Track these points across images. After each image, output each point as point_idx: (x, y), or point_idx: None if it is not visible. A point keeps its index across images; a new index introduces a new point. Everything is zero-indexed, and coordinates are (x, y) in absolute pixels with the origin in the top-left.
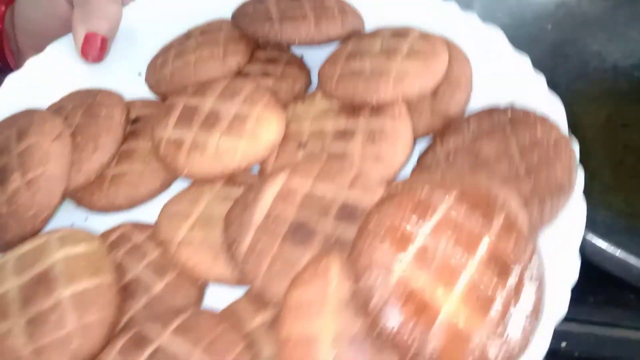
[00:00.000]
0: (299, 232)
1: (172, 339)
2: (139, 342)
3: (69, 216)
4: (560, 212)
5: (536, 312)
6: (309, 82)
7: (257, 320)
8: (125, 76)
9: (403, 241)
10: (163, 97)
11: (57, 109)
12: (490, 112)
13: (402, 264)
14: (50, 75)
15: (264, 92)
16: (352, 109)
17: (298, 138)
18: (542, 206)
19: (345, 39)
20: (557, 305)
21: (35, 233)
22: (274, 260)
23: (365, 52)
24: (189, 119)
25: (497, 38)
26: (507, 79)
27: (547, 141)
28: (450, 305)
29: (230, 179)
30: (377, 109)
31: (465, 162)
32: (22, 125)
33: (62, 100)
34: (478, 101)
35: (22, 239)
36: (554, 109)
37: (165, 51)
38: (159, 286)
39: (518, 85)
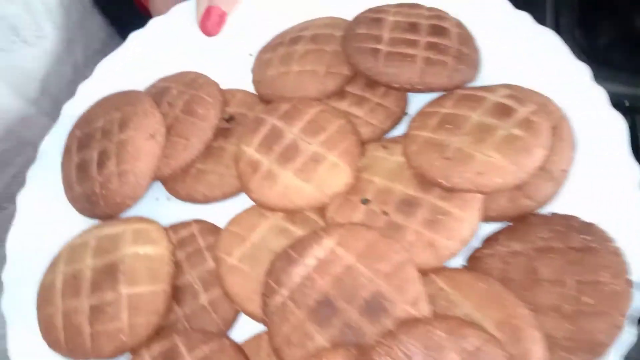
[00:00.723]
0: (324, 310)
1: None
2: (168, 357)
3: (158, 192)
4: None
5: None
6: (402, 116)
7: None
8: (235, 55)
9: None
10: (261, 97)
11: (162, 90)
12: (568, 225)
13: None
14: (169, 38)
15: (347, 135)
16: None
17: (364, 192)
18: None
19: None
20: None
21: (119, 212)
22: (294, 329)
23: (459, 122)
24: (271, 143)
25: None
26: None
27: (607, 287)
28: None
29: (291, 214)
30: (451, 189)
31: (520, 273)
32: (126, 114)
33: (171, 80)
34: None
35: (108, 217)
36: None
37: (274, 47)
38: (203, 299)
39: (610, 201)
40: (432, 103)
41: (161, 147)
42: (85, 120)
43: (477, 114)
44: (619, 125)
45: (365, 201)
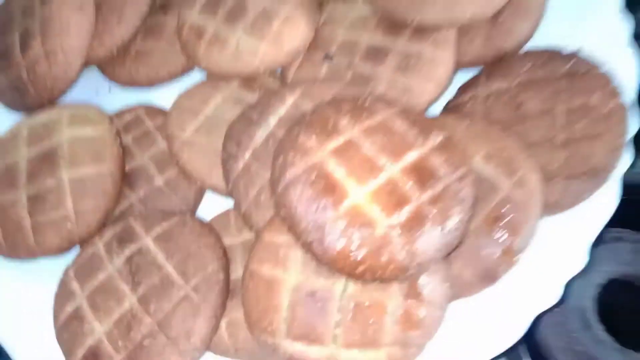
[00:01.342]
0: None
1: (152, 244)
2: (124, 240)
3: (94, 83)
4: (587, 197)
5: (458, 232)
6: None
7: (242, 237)
8: None
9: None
10: None
11: None
12: (551, 56)
13: (323, 152)
14: None
15: None
16: (394, 24)
17: (327, 46)
18: (567, 186)
19: None
20: (548, 294)
21: (53, 100)
22: (262, 190)
23: None
24: (214, 5)
25: None
26: (584, 17)
27: (600, 110)
28: (359, 194)
29: (248, 81)
30: (421, 30)
31: (503, 111)
32: None
33: None
34: (542, 36)
35: (41, 106)
36: (626, 67)
37: None
38: (159, 181)
39: (595, 27)
40: None
41: (91, 21)
42: (2, 6)
43: None
44: None
45: (328, 56)
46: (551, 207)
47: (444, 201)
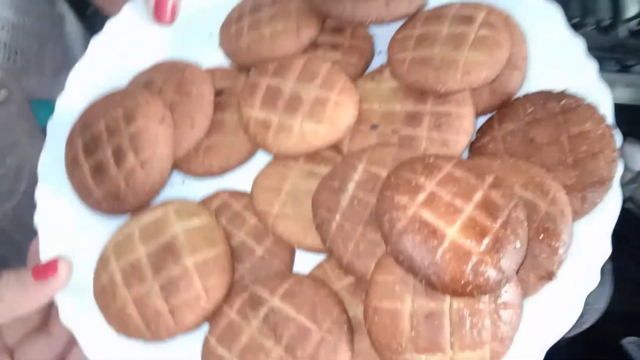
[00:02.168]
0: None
1: (280, 303)
2: (254, 304)
3: (170, 178)
4: (600, 202)
5: (523, 247)
6: (373, 53)
7: (343, 283)
8: (197, 38)
9: (416, 190)
10: (240, 66)
11: (147, 82)
12: (545, 97)
13: (416, 206)
14: (128, 36)
15: (339, 74)
16: (419, 91)
17: (370, 119)
18: (584, 196)
19: (412, 16)
20: (587, 280)
21: (149, 202)
22: (358, 243)
23: (433, 37)
24: (273, 100)
25: (554, 16)
26: (560, 62)
27: (594, 133)
28: (452, 232)
29: (310, 156)
30: (443, 94)
31: (520, 146)
32: (129, 107)
33: (150, 72)
34: (532, 82)
35: (139, 209)
36: (602, 99)
37: (238, 19)
38: (259, 251)
39: (570, 69)
40: (401, 29)
41: (172, 130)
42: (82, 127)
43: (445, 27)
44: (554, 10)
45: (374, 126)
46: (576, 215)
47: (511, 226)
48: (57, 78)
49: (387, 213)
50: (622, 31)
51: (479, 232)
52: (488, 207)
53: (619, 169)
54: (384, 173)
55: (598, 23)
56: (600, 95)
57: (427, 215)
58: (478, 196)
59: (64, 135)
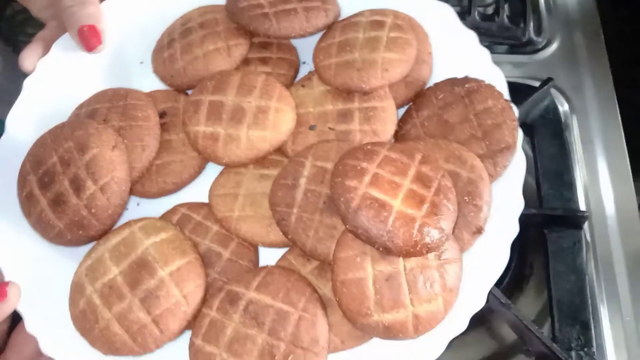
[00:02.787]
0: (332, 204)
1: (256, 294)
2: (232, 300)
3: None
4: (508, 166)
5: (455, 208)
6: (299, 63)
7: (307, 269)
8: (128, 67)
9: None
10: (177, 88)
11: (91, 112)
12: (451, 83)
13: (364, 186)
14: (62, 73)
15: (274, 84)
16: (347, 91)
17: (307, 121)
18: (495, 161)
19: (329, 26)
20: (510, 230)
21: (112, 226)
22: (318, 228)
23: (352, 43)
24: (217, 114)
25: (448, 15)
26: (459, 52)
27: (496, 107)
28: (397, 204)
29: (259, 161)
30: (367, 92)
31: (437, 128)
32: (80, 138)
33: (92, 102)
34: (438, 73)
35: (103, 233)
36: (497, 79)
37: (169, 45)
38: (226, 254)
39: (468, 58)
40: (323, 39)
41: (125, 154)
42: (33, 164)
43: (361, 33)
44: (448, 13)
45: (312, 127)
46: (492, 177)
47: (442, 192)
48: None
49: (342, 196)
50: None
51: (418, 200)
52: (421, 179)
53: (520, 135)
54: (329, 165)
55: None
56: (495, 76)
57: (375, 192)
58: (412, 172)
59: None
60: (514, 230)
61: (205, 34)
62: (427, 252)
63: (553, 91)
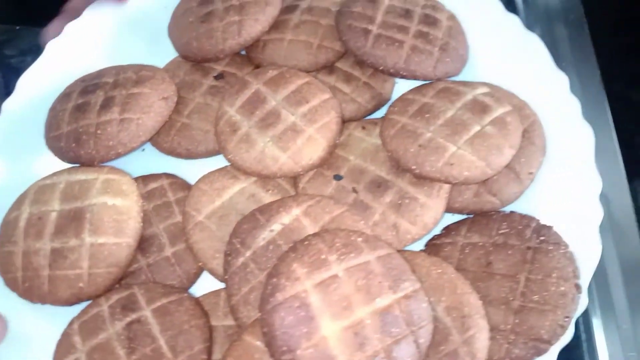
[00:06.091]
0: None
1: (151, 316)
2: (127, 307)
3: None
4: None
5: None
6: (387, 99)
7: (226, 322)
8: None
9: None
10: (251, 59)
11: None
12: (527, 224)
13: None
14: (88, 39)
15: (329, 111)
16: (397, 163)
17: (338, 168)
18: (509, 349)
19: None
20: None
21: (103, 161)
22: (252, 290)
23: (436, 113)
24: (253, 107)
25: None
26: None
27: (556, 288)
28: (330, 329)
29: (264, 180)
30: (417, 176)
31: (474, 264)
32: (144, 75)
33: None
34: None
35: (88, 161)
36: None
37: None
38: (168, 251)
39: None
40: (414, 90)
41: (167, 112)
42: (94, 76)
43: (455, 108)
44: (588, 136)
45: (337, 177)
46: None
47: (399, 346)
48: None
49: (276, 277)
50: None
51: (359, 343)
52: (384, 319)
53: (565, 340)
54: (310, 230)
55: None
56: (589, 248)
57: (314, 298)
58: (381, 302)
59: None
60: None
61: (306, 19)
62: None
63: None
